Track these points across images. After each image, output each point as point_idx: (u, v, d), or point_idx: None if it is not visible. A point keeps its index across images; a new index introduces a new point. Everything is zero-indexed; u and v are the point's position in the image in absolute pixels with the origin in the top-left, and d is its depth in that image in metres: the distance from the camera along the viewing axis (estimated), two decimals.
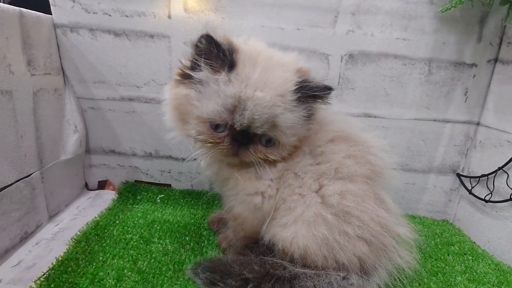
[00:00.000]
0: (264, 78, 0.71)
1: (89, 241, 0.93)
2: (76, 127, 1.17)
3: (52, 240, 0.96)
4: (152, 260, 0.88)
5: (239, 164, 0.81)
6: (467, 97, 1.24)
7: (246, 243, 0.90)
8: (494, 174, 1.14)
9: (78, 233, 0.96)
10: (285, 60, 0.78)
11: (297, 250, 0.78)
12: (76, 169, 1.24)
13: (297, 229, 0.79)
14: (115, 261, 0.86)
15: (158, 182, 1.34)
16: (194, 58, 0.74)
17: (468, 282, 0.92)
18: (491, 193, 1.15)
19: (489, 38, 1.18)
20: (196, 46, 0.73)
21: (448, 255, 1.06)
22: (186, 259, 0.90)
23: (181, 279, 0.82)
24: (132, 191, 1.25)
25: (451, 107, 1.25)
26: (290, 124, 0.74)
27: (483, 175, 1.19)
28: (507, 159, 1.10)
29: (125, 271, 0.82)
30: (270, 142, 0.77)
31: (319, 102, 0.77)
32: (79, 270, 0.81)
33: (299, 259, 0.79)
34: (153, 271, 0.84)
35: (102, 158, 1.29)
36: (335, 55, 1.18)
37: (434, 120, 1.26)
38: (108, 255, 0.88)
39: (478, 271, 0.98)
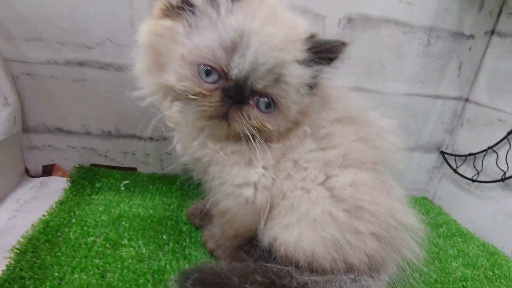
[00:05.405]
0: (275, 16, 0.60)
1: (38, 251, 0.72)
2: (6, 99, 0.90)
3: None
4: (125, 271, 0.71)
5: (225, 136, 0.66)
6: (460, 72, 1.17)
7: (237, 243, 0.77)
8: (484, 154, 1.12)
9: (22, 240, 0.75)
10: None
11: (302, 256, 0.66)
12: (12, 153, 0.98)
13: (302, 230, 0.67)
14: (76, 275, 0.68)
15: (121, 165, 1.12)
16: None
17: (464, 268, 0.91)
18: (478, 173, 1.14)
19: (490, 7, 1.10)
20: None
21: (439, 238, 1.04)
22: (167, 265, 0.75)
23: None
24: (88, 178, 1.03)
25: (444, 82, 1.18)
26: (297, 82, 0.61)
27: (470, 154, 1.17)
28: (498, 139, 1.07)
29: None
30: (269, 107, 0.62)
31: (329, 62, 0.64)
32: None
33: (305, 265, 0.68)
34: (127, 285, 0.68)
35: (46, 138, 1.03)
36: (332, 18, 1.01)
37: (426, 96, 1.19)
38: (65, 268, 0.69)
39: (470, 255, 0.97)
